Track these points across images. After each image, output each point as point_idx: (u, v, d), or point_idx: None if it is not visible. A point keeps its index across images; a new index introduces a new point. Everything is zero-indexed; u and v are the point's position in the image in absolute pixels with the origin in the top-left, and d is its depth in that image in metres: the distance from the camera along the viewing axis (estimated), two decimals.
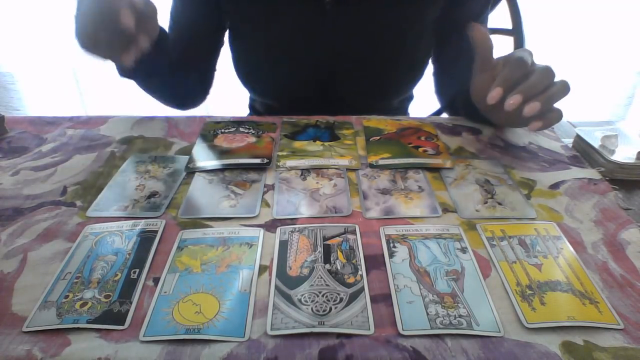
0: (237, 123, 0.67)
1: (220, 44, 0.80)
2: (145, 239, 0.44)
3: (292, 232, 0.45)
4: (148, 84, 0.72)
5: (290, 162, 0.57)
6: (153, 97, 0.77)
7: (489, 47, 0.57)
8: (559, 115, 0.52)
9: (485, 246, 0.44)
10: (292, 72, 0.77)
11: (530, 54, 0.54)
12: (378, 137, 0.63)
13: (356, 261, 0.41)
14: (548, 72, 0.51)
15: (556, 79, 0.52)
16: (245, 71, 0.81)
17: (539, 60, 0.54)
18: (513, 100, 0.49)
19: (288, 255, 0.42)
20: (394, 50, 0.74)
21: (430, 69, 0.82)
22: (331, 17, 0.69)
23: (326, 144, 0.61)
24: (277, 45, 0.74)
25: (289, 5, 0.69)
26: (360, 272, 0.40)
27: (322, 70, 0.75)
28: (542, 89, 0.50)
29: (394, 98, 0.83)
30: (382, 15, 0.69)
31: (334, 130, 0.65)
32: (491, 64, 0.57)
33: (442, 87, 0.84)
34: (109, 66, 0.62)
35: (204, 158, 0.58)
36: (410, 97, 0.90)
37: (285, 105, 0.80)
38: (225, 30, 0.78)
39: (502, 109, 0.51)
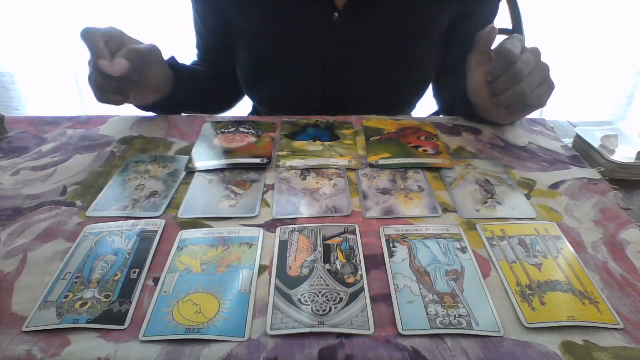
0: (237, 123, 0.66)
1: None
2: (145, 239, 0.44)
3: (292, 232, 0.45)
4: (177, 110, 0.73)
5: (290, 162, 0.57)
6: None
7: (490, 45, 0.58)
8: (550, 88, 0.56)
9: (485, 246, 0.44)
10: (296, 87, 0.77)
11: (520, 40, 0.55)
12: (378, 137, 0.63)
13: (356, 261, 0.41)
14: (532, 59, 0.54)
15: (541, 63, 0.55)
16: (250, 83, 0.81)
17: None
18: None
19: (288, 255, 0.42)
20: (400, 66, 0.73)
21: None
22: (339, 31, 0.68)
23: (326, 144, 0.61)
24: (281, 59, 0.74)
25: (296, 19, 0.69)
26: (360, 272, 0.40)
27: (327, 85, 0.75)
28: (525, 77, 0.53)
29: (399, 112, 0.83)
30: (390, 31, 0.69)
31: (334, 130, 0.65)
32: (487, 58, 0.59)
33: (440, 91, 0.84)
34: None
35: (204, 158, 0.58)
36: (413, 107, 0.90)
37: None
38: None
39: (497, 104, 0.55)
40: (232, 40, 0.78)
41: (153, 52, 0.61)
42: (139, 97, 0.65)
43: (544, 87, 0.55)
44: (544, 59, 0.55)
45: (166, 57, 0.69)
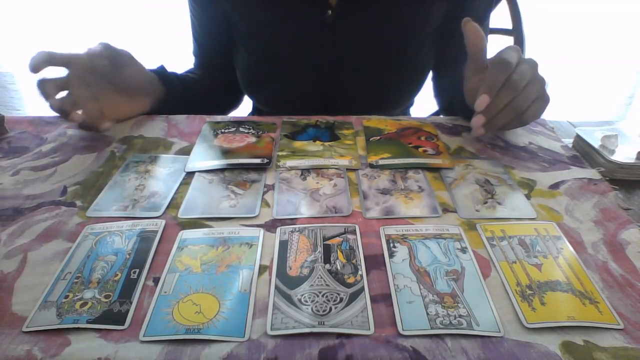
0: (237, 123, 0.66)
1: None
2: (145, 239, 0.44)
3: (292, 232, 0.45)
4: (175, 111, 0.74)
5: (290, 162, 0.57)
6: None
7: (482, 50, 0.56)
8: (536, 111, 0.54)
9: (485, 246, 0.44)
10: (293, 84, 0.77)
11: (517, 50, 0.53)
12: (378, 137, 0.63)
13: (356, 261, 0.41)
14: (528, 70, 0.52)
15: (538, 74, 0.53)
16: (248, 82, 0.82)
17: (538, 59, 0.54)
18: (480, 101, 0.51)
19: (288, 255, 0.42)
20: (394, 62, 0.74)
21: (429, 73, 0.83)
22: (332, 30, 0.70)
23: (326, 144, 0.61)
24: (278, 58, 0.75)
25: (290, 19, 0.70)
26: (360, 272, 0.40)
27: (324, 82, 0.75)
28: (521, 88, 0.51)
29: (395, 108, 0.84)
30: (382, 27, 0.70)
31: (334, 130, 0.65)
32: (483, 66, 0.57)
33: (440, 90, 0.84)
34: None
35: (204, 158, 0.58)
36: (411, 103, 0.90)
37: (287, 114, 0.81)
38: None
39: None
40: (231, 42, 0.79)
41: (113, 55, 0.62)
42: (131, 104, 0.66)
43: (539, 102, 0.54)
44: (540, 71, 0.54)
45: (157, 64, 0.71)
